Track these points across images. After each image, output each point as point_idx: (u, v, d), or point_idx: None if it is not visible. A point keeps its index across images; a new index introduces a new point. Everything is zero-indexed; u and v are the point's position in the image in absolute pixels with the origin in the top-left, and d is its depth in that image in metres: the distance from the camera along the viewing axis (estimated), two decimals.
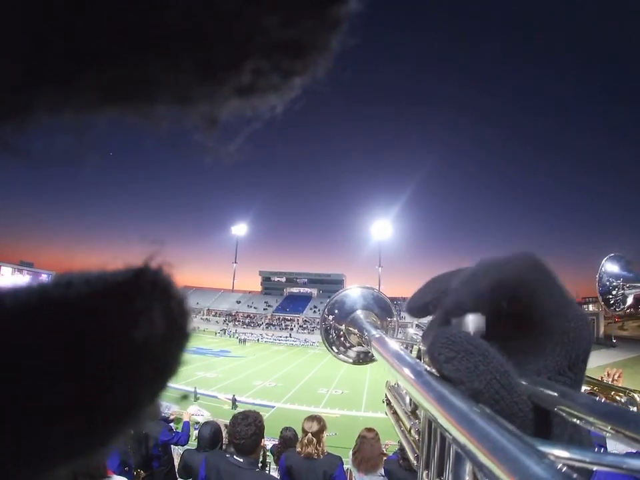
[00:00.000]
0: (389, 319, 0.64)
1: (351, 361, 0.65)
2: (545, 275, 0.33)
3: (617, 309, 1.05)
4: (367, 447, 4.57)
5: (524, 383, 0.31)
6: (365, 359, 0.64)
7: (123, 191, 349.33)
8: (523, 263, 0.32)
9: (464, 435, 0.24)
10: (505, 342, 0.33)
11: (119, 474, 1.62)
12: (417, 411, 0.53)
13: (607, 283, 1.01)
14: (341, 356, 0.65)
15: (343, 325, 0.63)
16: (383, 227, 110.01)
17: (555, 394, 0.29)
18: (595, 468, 0.24)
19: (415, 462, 0.47)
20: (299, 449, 3.91)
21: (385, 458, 4.48)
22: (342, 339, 0.64)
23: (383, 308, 0.64)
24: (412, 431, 0.51)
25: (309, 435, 3.89)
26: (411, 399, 0.56)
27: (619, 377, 2.54)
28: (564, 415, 0.28)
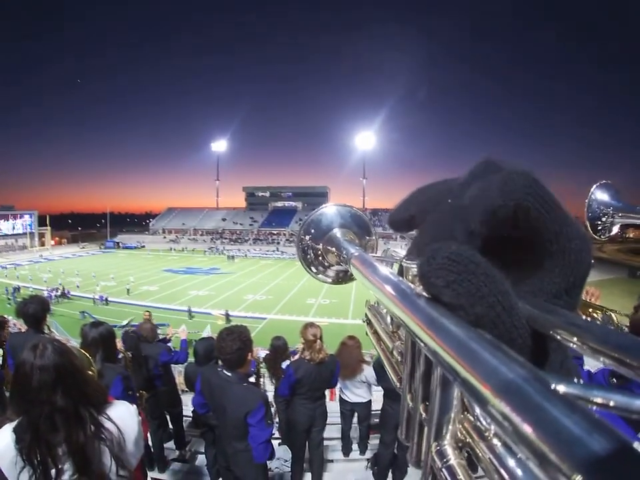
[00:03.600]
0: (367, 237, 0.63)
1: (330, 280, 0.64)
2: (544, 195, 0.28)
3: (602, 236, 1.03)
4: (345, 353, 4.84)
5: (521, 305, 0.27)
6: (344, 277, 0.63)
7: (97, 118, 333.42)
8: (519, 185, 0.28)
9: (464, 368, 0.21)
10: (499, 262, 0.29)
11: (123, 399, 1.73)
12: (399, 331, 0.52)
13: (597, 210, 1.00)
14: (320, 276, 0.63)
15: (320, 245, 0.61)
16: (367, 138, 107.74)
17: (553, 317, 0.26)
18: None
19: (398, 384, 0.45)
20: (308, 357, 4.00)
21: (371, 359, 4.70)
22: (320, 258, 0.62)
23: (360, 226, 0.62)
24: (394, 352, 0.49)
25: (319, 341, 4.01)
26: (392, 319, 0.54)
27: (597, 298, 2.57)
28: (559, 339, 0.25)
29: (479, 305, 0.25)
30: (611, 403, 0.20)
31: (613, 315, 1.55)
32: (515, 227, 0.29)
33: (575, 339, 0.24)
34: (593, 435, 0.14)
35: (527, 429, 0.16)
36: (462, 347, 0.22)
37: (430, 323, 0.25)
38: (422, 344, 0.26)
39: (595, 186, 1.00)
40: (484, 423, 0.28)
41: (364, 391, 5.02)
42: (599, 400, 0.20)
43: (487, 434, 0.27)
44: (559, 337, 0.25)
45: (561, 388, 0.20)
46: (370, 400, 5.09)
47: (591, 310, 1.59)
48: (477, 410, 0.29)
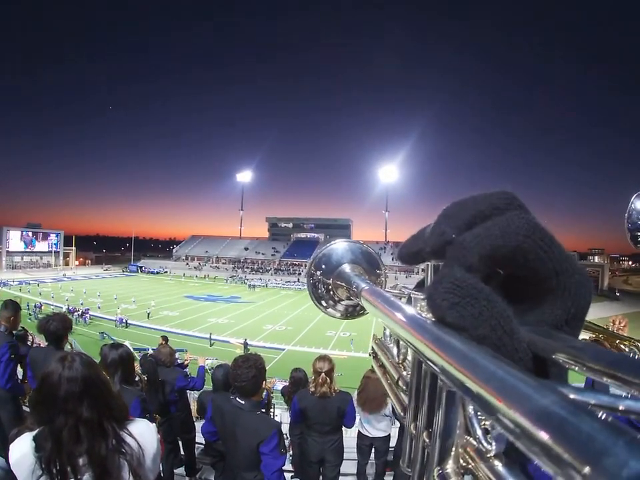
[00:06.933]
0: (377, 272, 0.63)
1: (339, 315, 0.64)
2: (543, 238, 0.29)
3: None
4: (370, 387, 4.73)
5: (523, 330, 0.28)
6: (353, 312, 0.63)
7: (126, 145, 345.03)
8: (520, 228, 0.29)
9: (467, 377, 0.22)
10: (502, 293, 0.30)
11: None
12: (405, 362, 0.52)
13: (637, 221, 0.96)
14: (330, 310, 0.64)
15: (331, 280, 0.62)
16: (390, 172, 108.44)
17: (553, 341, 0.27)
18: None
19: (402, 414, 0.46)
20: (312, 389, 3.98)
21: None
22: (331, 293, 0.63)
23: (370, 262, 0.63)
24: (399, 383, 0.50)
25: (323, 374, 3.96)
26: (399, 351, 0.55)
27: (624, 326, 2.49)
28: (561, 361, 0.26)
29: (482, 328, 0.27)
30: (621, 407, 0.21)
31: None
32: (514, 266, 0.30)
33: (574, 360, 0.25)
34: (617, 441, 0.14)
35: (546, 437, 0.16)
36: (464, 358, 0.24)
37: (435, 340, 0.27)
38: (430, 363, 0.28)
39: (635, 195, 0.97)
40: (485, 444, 0.29)
41: (385, 424, 4.92)
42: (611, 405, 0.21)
43: (488, 455, 0.28)
44: (560, 360, 0.26)
45: (574, 395, 0.21)
46: (389, 434, 4.98)
47: (618, 341, 1.54)
48: (479, 432, 0.30)
